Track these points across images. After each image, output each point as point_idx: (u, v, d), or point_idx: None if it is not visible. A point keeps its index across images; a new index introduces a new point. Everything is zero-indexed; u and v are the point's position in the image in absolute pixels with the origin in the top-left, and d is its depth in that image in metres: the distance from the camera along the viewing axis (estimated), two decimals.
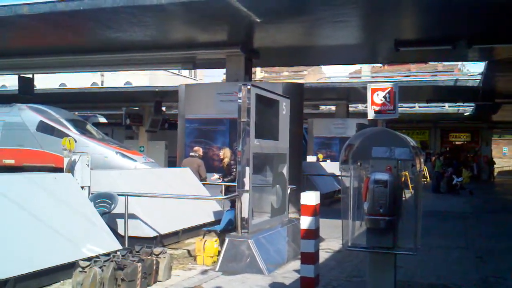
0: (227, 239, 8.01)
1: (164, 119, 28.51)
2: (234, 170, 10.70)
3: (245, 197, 8.00)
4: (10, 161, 19.50)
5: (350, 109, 29.47)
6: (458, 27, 12.25)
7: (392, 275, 5.22)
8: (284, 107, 9.59)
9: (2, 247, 5.97)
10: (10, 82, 36.18)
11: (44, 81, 32.07)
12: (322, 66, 52.42)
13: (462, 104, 29.79)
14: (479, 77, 21.23)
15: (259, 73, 55.88)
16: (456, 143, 40.43)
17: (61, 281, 6.50)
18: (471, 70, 34.65)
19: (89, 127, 20.62)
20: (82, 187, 8.45)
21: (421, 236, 5.33)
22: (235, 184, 8.67)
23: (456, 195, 22.47)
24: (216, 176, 12.05)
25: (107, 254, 6.82)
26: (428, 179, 27.04)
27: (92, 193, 8.66)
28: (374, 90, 6.31)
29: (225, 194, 11.03)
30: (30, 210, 6.85)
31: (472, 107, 29.49)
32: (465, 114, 31.79)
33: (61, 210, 7.38)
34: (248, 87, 8.10)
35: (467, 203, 19.62)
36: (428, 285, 7.32)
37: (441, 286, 7.27)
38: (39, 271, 6.18)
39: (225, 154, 11.65)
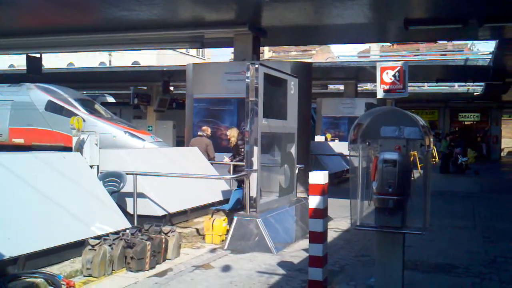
0: (235, 218, 8.05)
1: (172, 98, 28.47)
2: (243, 150, 10.70)
3: (254, 177, 8.02)
4: (20, 141, 19.63)
5: (359, 88, 29.29)
6: (468, 5, 12.05)
7: (401, 254, 5.22)
8: (293, 86, 9.55)
9: (12, 225, 6.03)
10: (18, 62, 36.23)
11: (52, 61, 32.10)
12: (331, 45, 52.02)
13: (472, 83, 29.48)
14: (490, 56, 21.00)
15: (267, 52, 55.58)
16: (466, 123, 40.18)
17: (71, 259, 6.55)
18: (481, 49, 34.32)
19: (97, 106, 20.65)
20: (91, 166, 8.49)
21: (429, 216, 5.32)
22: (244, 164, 8.68)
23: (463, 175, 22.44)
24: (226, 158, 12.07)
25: (117, 233, 6.89)
26: (437, 159, 26.97)
27: (101, 172, 8.70)
28: (383, 69, 6.26)
29: (233, 174, 11.05)
30: (40, 189, 6.89)
31: (482, 87, 29.21)
32: (474, 93, 31.49)
33: (70, 189, 7.42)
34: (256, 66, 8.06)
35: (474, 183, 19.59)
36: (436, 265, 7.34)
37: (448, 266, 7.28)
38: (49, 249, 6.23)
39: (232, 133, 11.60)
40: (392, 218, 5.11)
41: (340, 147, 19.92)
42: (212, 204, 9.96)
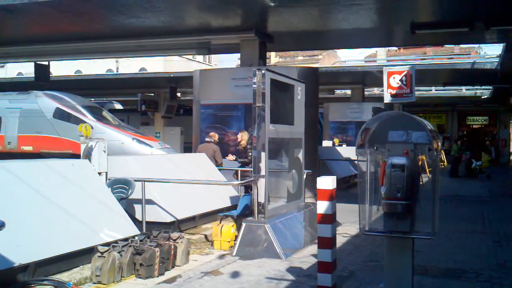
0: (243, 224, 8.04)
1: (180, 105, 28.54)
2: (250, 153, 10.70)
3: (261, 182, 8.01)
4: (28, 148, 19.73)
5: (366, 93, 29.26)
6: (475, 8, 12.02)
7: (410, 259, 5.20)
8: (299, 91, 9.55)
9: (22, 233, 6.05)
10: (26, 69, 36.47)
11: (60, 68, 32.30)
12: (337, 50, 52.03)
13: (479, 87, 29.39)
14: (497, 59, 20.92)
15: (273, 57, 55.61)
16: (474, 126, 40.01)
17: (81, 266, 6.57)
18: (489, 53, 34.19)
19: (105, 113, 20.73)
20: (99, 173, 8.52)
21: (438, 220, 5.30)
22: (251, 169, 8.69)
23: (474, 179, 22.30)
24: (231, 157, 12.07)
25: (125, 239, 6.90)
26: (446, 163, 26.85)
27: (109, 179, 8.72)
28: (390, 74, 6.23)
29: (240, 179, 11.04)
30: (49, 196, 6.92)
31: (490, 90, 29.09)
32: (482, 97, 31.37)
33: (79, 196, 7.45)
34: (263, 71, 8.07)
35: (485, 187, 19.47)
36: (445, 270, 7.30)
37: (458, 270, 7.24)
38: (59, 256, 6.25)
39: (243, 137, 11.62)
40: (400, 223, 5.10)
41: (347, 152, 19.88)
42: (221, 210, 9.95)
